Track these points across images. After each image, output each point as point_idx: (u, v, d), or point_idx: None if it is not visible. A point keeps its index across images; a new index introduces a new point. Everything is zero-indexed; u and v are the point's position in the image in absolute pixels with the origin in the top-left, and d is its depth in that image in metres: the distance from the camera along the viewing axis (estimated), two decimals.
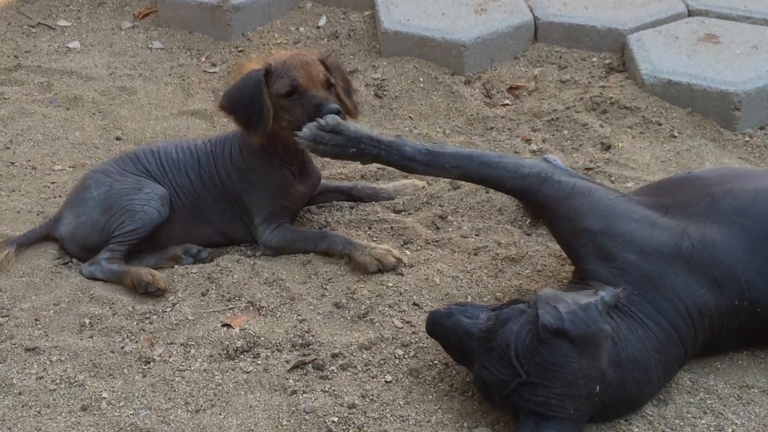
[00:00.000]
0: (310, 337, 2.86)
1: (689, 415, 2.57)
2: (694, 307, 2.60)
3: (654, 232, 2.69)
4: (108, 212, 3.24)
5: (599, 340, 2.37)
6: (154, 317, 2.99)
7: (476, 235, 3.39)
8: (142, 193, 3.26)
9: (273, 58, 3.23)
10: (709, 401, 2.62)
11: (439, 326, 2.60)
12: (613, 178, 3.69)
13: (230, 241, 3.39)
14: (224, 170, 3.33)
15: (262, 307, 3.01)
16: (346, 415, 2.58)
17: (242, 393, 2.68)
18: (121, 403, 2.65)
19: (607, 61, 4.53)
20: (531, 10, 4.74)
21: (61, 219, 3.32)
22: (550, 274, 3.16)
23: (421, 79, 4.47)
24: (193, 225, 3.35)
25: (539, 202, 2.88)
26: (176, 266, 3.24)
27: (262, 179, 3.29)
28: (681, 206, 2.79)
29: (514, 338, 2.41)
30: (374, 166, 3.76)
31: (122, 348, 2.86)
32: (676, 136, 3.97)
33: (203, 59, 4.88)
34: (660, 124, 4.03)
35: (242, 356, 2.81)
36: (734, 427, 2.54)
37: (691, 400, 2.62)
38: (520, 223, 3.46)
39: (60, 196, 3.60)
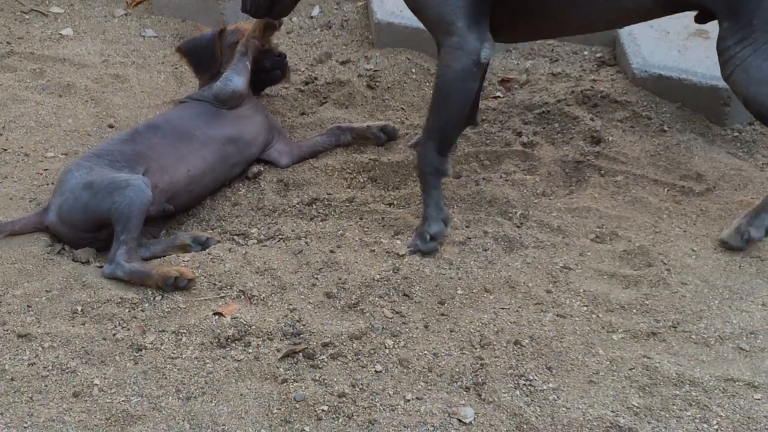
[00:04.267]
0: (301, 327, 2.89)
1: (675, 407, 2.61)
2: None
3: None
4: (90, 188, 3.25)
5: None
6: (146, 305, 3.01)
7: (466, 226, 3.42)
8: (123, 173, 3.32)
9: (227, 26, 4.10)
10: (694, 393, 2.65)
11: None
12: (603, 172, 3.72)
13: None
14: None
15: (254, 296, 3.03)
16: (336, 403, 2.61)
17: (233, 381, 2.70)
18: (113, 390, 2.67)
19: (598, 55, 4.55)
20: None
21: (49, 207, 3.34)
22: (540, 266, 3.19)
23: (413, 70, 4.48)
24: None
25: None
26: (179, 254, 3.26)
27: None
28: None
29: None
30: None
31: (114, 335, 2.88)
32: (665, 131, 3.99)
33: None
34: (650, 119, 4.05)
35: (233, 345, 2.83)
36: (719, 419, 2.57)
37: (677, 392, 2.65)
38: (510, 215, 3.49)
39: (52, 183, 3.61)
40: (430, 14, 3.26)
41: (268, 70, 4.00)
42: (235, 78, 3.78)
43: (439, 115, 3.30)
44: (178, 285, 3.05)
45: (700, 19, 3.38)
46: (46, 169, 3.77)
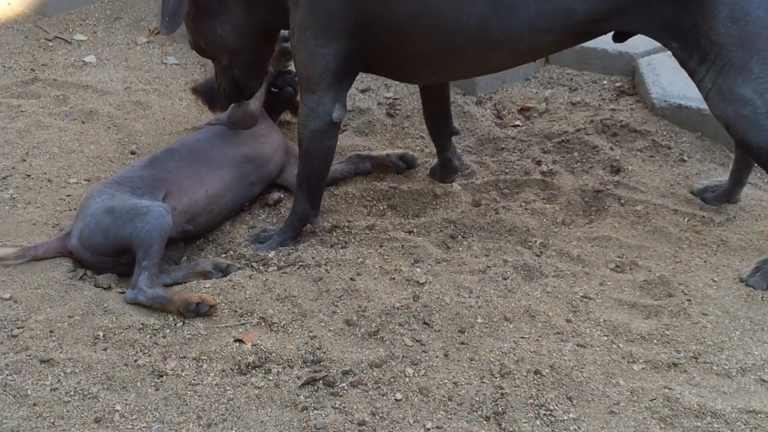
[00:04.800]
0: (321, 354, 2.90)
1: None
2: None
3: None
4: (111, 213, 3.28)
5: None
6: (167, 331, 3.02)
7: (486, 255, 3.42)
8: (144, 199, 3.37)
9: None
10: (716, 425, 2.64)
11: None
12: (622, 201, 3.73)
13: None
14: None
15: (274, 323, 3.04)
16: None
17: (253, 408, 2.71)
18: (134, 416, 2.68)
19: (617, 84, 4.57)
20: None
21: (71, 231, 3.37)
22: (560, 295, 3.19)
23: None
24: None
25: None
26: (200, 281, 3.28)
27: None
28: None
29: None
30: None
31: (135, 361, 2.89)
32: (685, 160, 4.00)
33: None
34: (669, 148, 4.06)
35: (254, 371, 2.84)
36: None
37: (698, 423, 2.64)
38: (529, 244, 3.49)
39: (75, 209, 3.64)
40: (300, 68, 3.42)
41: (280, 87, 4.06)
42: (249, 103, 3.84)
43: (303, 168, 3.52)
44: (199, 311, 3.06)
45: (619, 39, 3.39)
46: (69, 195, 3.80)
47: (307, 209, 3.53)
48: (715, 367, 2.87)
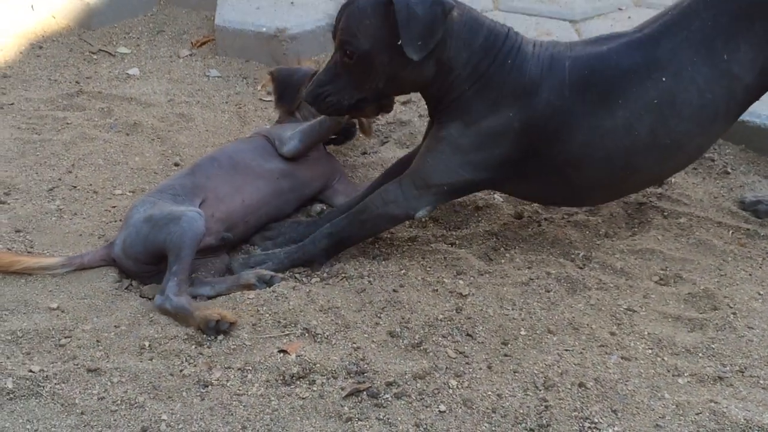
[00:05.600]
0: (365, 365, 2.91)
1: None
2: None
3: None
4: (149, 221, 3.32)
5: None
6: (212, 341, 3.04)
7: (528, 267, 3.42)
8: (183, 205, 3.40)
9: None
10: None
11: None
12: (666, 213, 3.71)
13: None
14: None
15: (318, 334, 3.05)
16: None
17: (298, 419, 2.72)
18: (180, 426, 2.70)
19: None
20: None
21: (116, 240, 3.42)
22: (603, 308, 3.17)
23: None
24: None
25: None
26: (243, 292, 3.29)
27: None
28: None
29: None
30: None
31: (181, 371, 2.92)
32: (729, 173, 3.97)
33: (259, 87, 4.97)
34: (713, 160, 4.03)
35: (298, 382, 2.86)
36: None
37: None
38: (572, 256, 3.48)
39: (120, 220, 3.69)
40: (423, 164, 3.35)
41: (337, 133, 4.02)
42: (301, 144, 3.80)
43: (348, 227, 3.45)
44: (219, 328, 3.05)
45: None
46: (114, 206, 3.85)
47: (319, 257, 3.48)
48: (761, 381, 2.85)
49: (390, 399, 2.78)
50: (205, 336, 3.05)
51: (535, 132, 3.23)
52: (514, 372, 2.89)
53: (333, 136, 4.01)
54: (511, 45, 3.26)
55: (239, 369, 2.91)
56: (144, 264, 3.37)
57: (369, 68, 3.22)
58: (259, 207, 3.64)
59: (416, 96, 4.71)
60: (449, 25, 3.15)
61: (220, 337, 3.04)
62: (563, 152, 3.24)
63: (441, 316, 3.11)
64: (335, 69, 3.29)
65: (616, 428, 2.67)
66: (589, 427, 2.68)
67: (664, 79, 3.17)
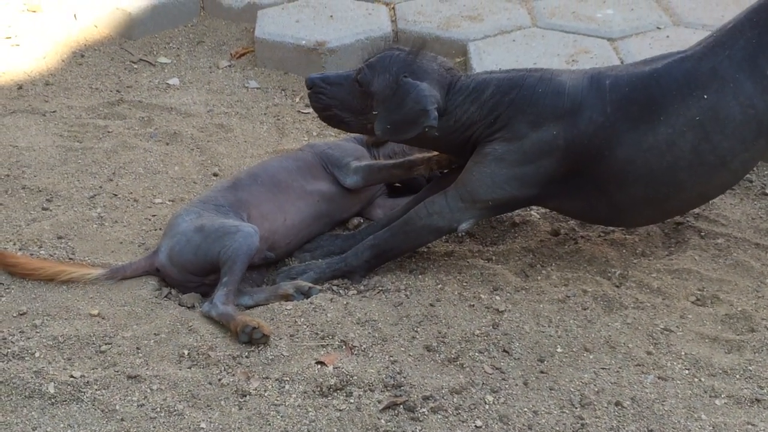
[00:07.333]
0: (402, 379, 2.92)
1: None
2: None
3: None
4: (202, 231, 3.36)
5: None
6: (250, 351, 3.07)
7: (565, 285, 3.43)
8: (230, 218, 3.43)
9: None
10: None
11: None
12: (703, 234, 3.71)
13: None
14: None
15: (355, 347, 3.07)
16: None
17: (335, 430, 2.74)
18: None
19: None
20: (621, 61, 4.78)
21: (159, 249, 3.45)
22: (640, 327, 3.18)
23: None
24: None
25: None
26: (281, 303, 3.32)
27: None
28: None
29: None
30: None
31: (219, 380, 2.94)
32: (767, 194, 3.96)
33: (297, 99, 5.01)
34: (751, 182, 4.03)
35: (335, 394, 2.88)
36: None
37: None
38: (609, 274, 3.49)
39: (160, 229, 3.73)
40: (469, 179, 3.39)
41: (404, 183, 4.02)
42: (363, 182, 3.77)
43: (391, 239, 3.49)
44: (253, 336, 3.07)
45: None
46: (154, 215, 3.89)
47: (361, 269, 3.50)
48: None
49: (426, 413, 2.80)
50: (243, 346, 3.08)
51: (580, 149, 3.27)
52: (551, 389, 2.90)
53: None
54: (537, 78, 3.34)
55: (277, 379, 2.94)
56: (190, 273, 3.41)
57: (365, 103, 3.43)
58: (300, 228, 3.65)
59: None
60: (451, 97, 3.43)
61: (258, 348, 3.06)
62: (606, 169, 3.27)
63: (477, 332, 3.12)
64: (345, 80, 3.48)
65: None
66: None
67: (705, 96, 3.19)
